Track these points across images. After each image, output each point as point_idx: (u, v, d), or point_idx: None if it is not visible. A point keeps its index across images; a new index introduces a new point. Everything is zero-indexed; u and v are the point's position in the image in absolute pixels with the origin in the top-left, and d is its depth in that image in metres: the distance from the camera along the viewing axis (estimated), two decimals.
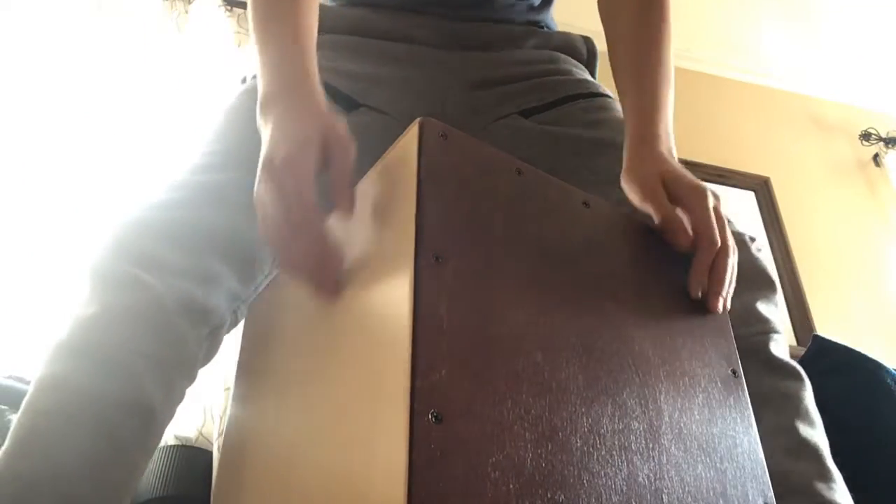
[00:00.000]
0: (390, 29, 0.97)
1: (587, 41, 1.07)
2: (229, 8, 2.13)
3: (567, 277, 0.56)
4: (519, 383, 0.47)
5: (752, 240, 0.81)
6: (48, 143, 1.86)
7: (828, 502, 0.67)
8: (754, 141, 2.73)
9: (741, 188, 2.58)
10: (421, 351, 0.44)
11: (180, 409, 0.74)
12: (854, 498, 0.70)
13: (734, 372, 0.62)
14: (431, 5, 0.98)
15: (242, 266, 0.76)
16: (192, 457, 1.37)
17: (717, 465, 0.54)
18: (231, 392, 0.80)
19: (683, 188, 0.69)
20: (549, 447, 0.46)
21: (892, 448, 1.25)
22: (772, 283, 0.80)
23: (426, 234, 0.50)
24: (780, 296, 0.81)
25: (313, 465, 0.52)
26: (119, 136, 1.90)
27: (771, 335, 0.76)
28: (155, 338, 0.68)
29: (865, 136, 2.83)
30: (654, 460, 0.51)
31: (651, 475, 0.50)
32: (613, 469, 0.48)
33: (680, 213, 0.67)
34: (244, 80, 0.94)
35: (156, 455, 1.28)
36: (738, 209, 2.47)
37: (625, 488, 0.48)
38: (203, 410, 1.51)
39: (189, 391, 0.74)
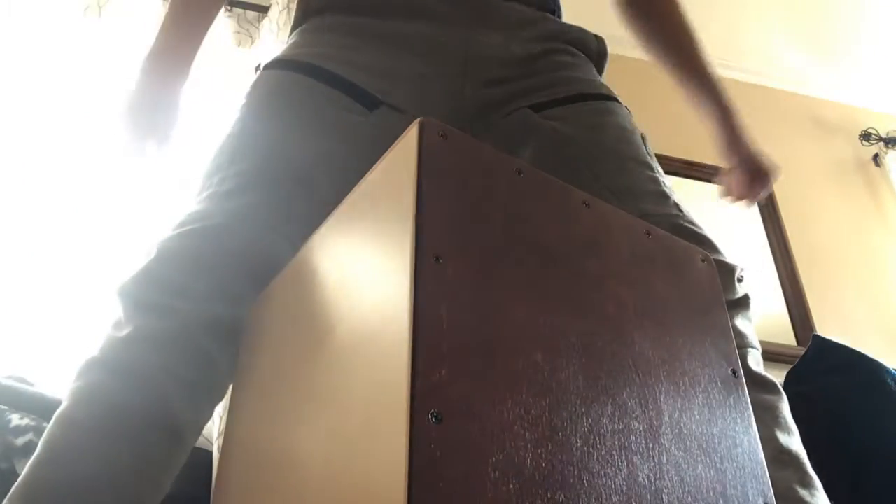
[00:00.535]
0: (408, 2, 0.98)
1: (599, 41, 1.08)
2: (229, 8, 2.12)
3: (567, 277, 0.56)
4: (519, 383, 0.47)
5: (741, 271, 0.86)
6: (48, 144, 1.86)
7: None
8: (754, 141, 2.72)
9: None
10: (421, 351, 0.44)
11: None
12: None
13: (734, 372, 0.62)
14: None
15: (271, 282, 0.78)
16: (192, 457, 1.37)
17: (717, 465, 0.54)
18: (231, 392, 0.80)
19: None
20: (549, 447, 0.46)
21: (892, 448, 1.25)
22: (748, 302, 0.85)
23: (426, 235, 0.50)
24: (752, 312, 0.87)
25: (313, 465, 0.52)
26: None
27: (748, 349, 0.81)
28: (184, 360, 0.72)
29: (865, 136, 2.82)
30: (654, 460, 0.51)
31: (651, 475, 0.50)
32: (613, 469, 0.48)
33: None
34: (258, 68, 1.03)
35: None
36: (737, 209, 2.46)
37: (625, 488, 0.48)
38: None
39: None
